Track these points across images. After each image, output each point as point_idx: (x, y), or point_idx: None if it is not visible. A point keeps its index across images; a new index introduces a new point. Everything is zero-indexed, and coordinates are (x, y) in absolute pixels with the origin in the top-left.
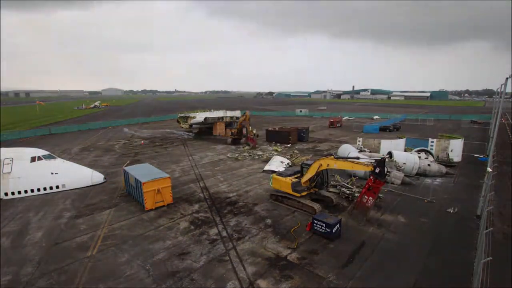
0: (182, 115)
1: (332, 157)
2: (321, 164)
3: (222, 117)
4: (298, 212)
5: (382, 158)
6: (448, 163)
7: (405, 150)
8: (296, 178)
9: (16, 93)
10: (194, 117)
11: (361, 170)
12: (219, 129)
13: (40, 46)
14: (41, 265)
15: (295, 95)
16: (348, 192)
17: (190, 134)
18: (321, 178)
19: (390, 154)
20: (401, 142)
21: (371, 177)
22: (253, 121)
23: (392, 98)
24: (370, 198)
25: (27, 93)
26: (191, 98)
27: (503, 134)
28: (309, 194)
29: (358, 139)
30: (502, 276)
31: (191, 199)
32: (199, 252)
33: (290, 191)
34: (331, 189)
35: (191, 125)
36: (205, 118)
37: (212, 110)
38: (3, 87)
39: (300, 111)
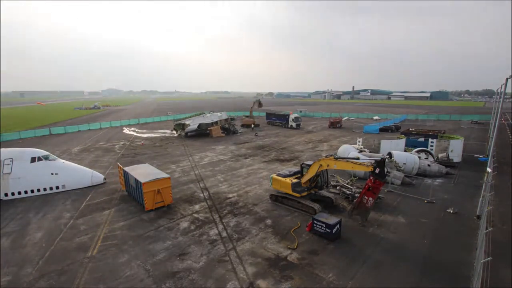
0: (178, 122)
1: (332, 157)
2: (321, 165)
3: (217, 122)
4: (298, 213)
5: (382, 158)
6: (448, 163)
7: (405, 151)
8: (296, 178)
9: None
10: (189, 125)
11: (361, 170)
12: (215, 133)
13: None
14: (41, 265)
15: (295, 96)
16: (348, 192)
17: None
18: (321, 179)
19: (390, 154)
20: (401, 142)
21: (371, 178)
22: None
23: (392, 98)
24: (370, 198)
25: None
26: (190, 99)
27: (503, 134)
28: (309, 194)
29: (358, 139)
30: (502, 276)
31: (191, 199)
32: (199, 252)
33: (290, 192)
34: (331, 190)
35: (186, 133)
36: (199, 125)
37: (209, 113)
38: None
39: (300, 111)
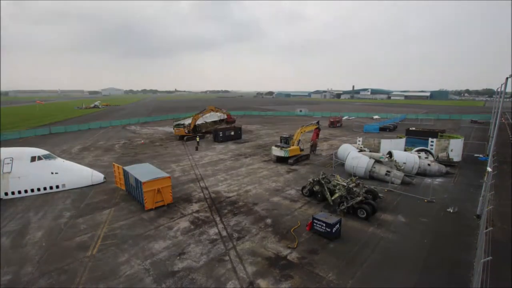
0: (178, 122)
1: (312, 126)
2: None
3: (216, 121)
4: (298, 212)
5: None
6: (448, 162)
7: (405, 150)
8: (288, 146)
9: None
10: (189, 125)
11: (311, 128)
12: (178, 133)
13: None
14: (41, 264)
15: (295, 95)
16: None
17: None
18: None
19: (390, 154)
20: (401, 141)
21: (317, 128)
22: (254, 120)
23: (392, 97)
24: (316, 139)
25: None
26: (191, 98)
27: (503, 134)
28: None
29: (358, 138)
30: (502, 276)
31: (191, 198)
32: (199, 251)
33: (299, 152)
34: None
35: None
36: (195, 126)
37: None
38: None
39: (300, 111)
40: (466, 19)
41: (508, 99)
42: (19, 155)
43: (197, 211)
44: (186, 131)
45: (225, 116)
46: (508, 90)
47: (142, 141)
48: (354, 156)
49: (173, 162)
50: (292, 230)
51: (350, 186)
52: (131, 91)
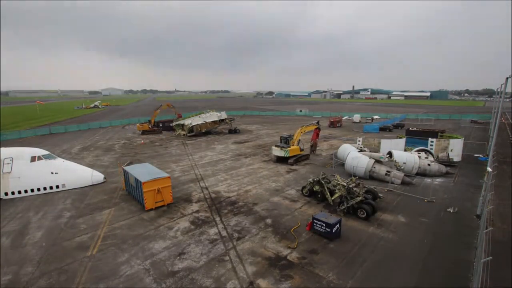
0: (178, 122)
1: (312, 126)
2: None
3: (216, 121)
4: (298, 212)
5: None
6: (448, 162)
7: (405, 150)
8: (288, 146)
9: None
10: (188, 125)
11: (311, 128)
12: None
13: None
14: (41, 264)
15: (295, 95)
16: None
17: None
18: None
19: (390, 154)
20: (401, 141)
21: (317, 128)
22: (254, 120)
23: (392, 98)
24: (316, 139)
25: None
26: (191, 98)
27: (503, 134)
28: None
29: (358, 138)
30: (502, 276)
31: (191, 198)
32: (199, 251)
33: (299, 152)
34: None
35: (185, 134)
36: (192, 127)
37: (209, 111)
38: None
39: (300, 111)
40: (466, 19)
41: (508, 99)
42: (19, 155)
43: (197, 211)
44: (150, 126)
45: (226, 116)
46: (508, 90)
47: (142, 141)
48: (354, 156)
49: (173, 162)
50: (292, 230)
51: (350, 186)
52: (131, 91)
